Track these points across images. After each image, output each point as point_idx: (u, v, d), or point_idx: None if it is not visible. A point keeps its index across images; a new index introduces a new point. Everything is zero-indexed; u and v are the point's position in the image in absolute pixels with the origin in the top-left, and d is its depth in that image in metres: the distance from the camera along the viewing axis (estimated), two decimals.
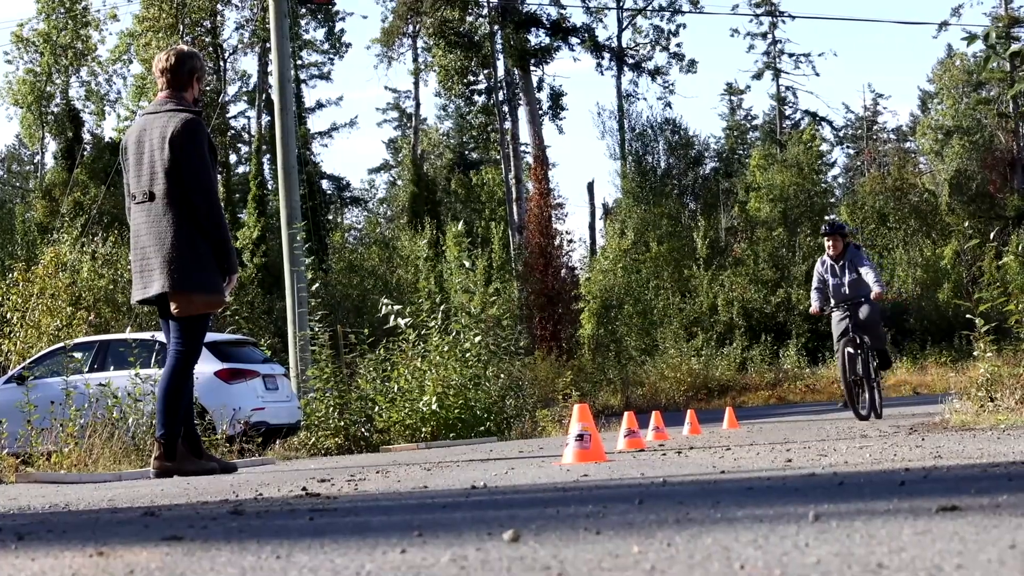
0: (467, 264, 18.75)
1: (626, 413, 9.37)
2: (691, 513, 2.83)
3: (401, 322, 15.80)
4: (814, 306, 14.08)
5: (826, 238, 14.13)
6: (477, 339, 16.36)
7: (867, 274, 13.66)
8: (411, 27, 50.66)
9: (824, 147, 59.48)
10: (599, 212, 51.83)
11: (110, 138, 50.06)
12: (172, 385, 8.06)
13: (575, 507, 3.22)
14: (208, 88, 41.13)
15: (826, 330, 43.05)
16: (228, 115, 50.65)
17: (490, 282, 18.92)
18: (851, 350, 13.41)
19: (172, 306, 7.98)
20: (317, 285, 18.33)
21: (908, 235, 47.98)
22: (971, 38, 22.27)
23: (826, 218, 14.87)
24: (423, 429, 15.17)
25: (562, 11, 48.23)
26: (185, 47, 8.48)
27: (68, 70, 51.90)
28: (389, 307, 15.62)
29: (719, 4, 79.63)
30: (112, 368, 15.20)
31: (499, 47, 47.30)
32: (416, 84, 56.24)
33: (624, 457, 7.24)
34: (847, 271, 13.88)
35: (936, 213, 50.88)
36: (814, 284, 14.13)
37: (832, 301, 13.90)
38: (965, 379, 13.03)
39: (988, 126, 54.14)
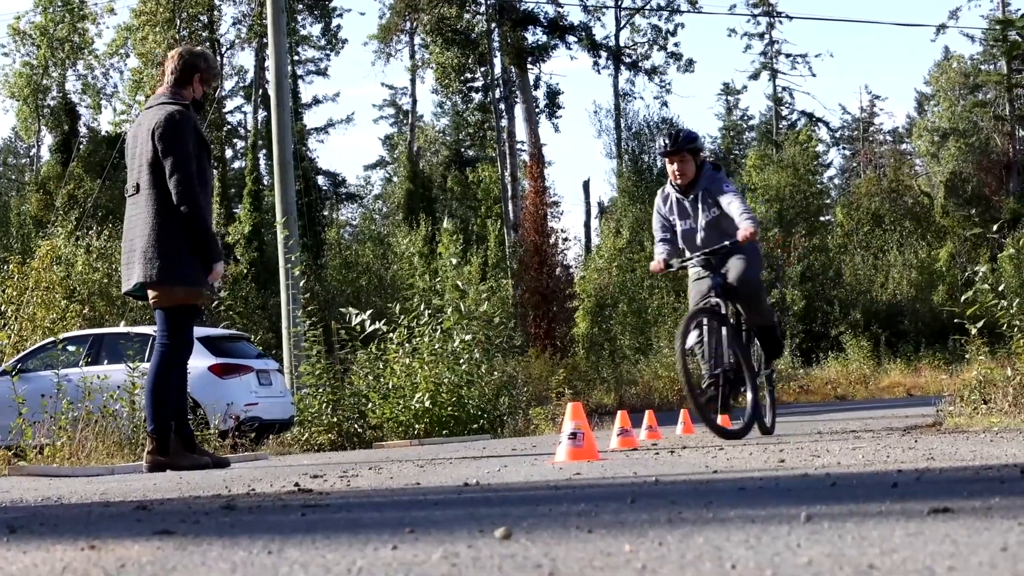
0: (453, 261, 18.68)
1: (619, 412, 9.37)
2: (683, 512, 2.83)
3: (378, 325, 15.75)
4: (656, 260, 9.39)
5: (668, 159, 9.23)
6: (468, 337, 16.34)
7: (731, 205, 9.05)
8: (408, 24, 50.65)
9: (820, 148, 59.60)
10: (594, 211, 51.89)
11: (106, 132, 50.04)
12: (158, 378, 8.10)
13: (567, 505, 3.22)
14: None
15: (820, 330, 43.43)
16: (224, 110, 50.62)
17: (485, 279, 18.90)
18: (714, 323, 8.92)
19: (151, 297, 8.08)
20: (311, 281, 18.31)
21: (903, 237, 48.06)
22: None
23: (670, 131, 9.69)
24: (416, 426, 15.16)
25: (560, 9, 48.27)
26: (197, 48, 8.59)
27: (65, 63, 51.88)
28: (356, 315, 15.56)
29: (717, 4, 79.72)
30: (106, 362, 15.20)
31: (496, 45, 47.29)
32: (413, 81, 56.31)
33: (617, 456, 7.24)
34: (702, 207, 9.20)
35: (931, 215, 50.96)
36: (657, 231, 9.54)
37: (686, 253, 9.37)
38: (959, 381, 13.03)
39: (984, 129, 54.23)
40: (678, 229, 9.32)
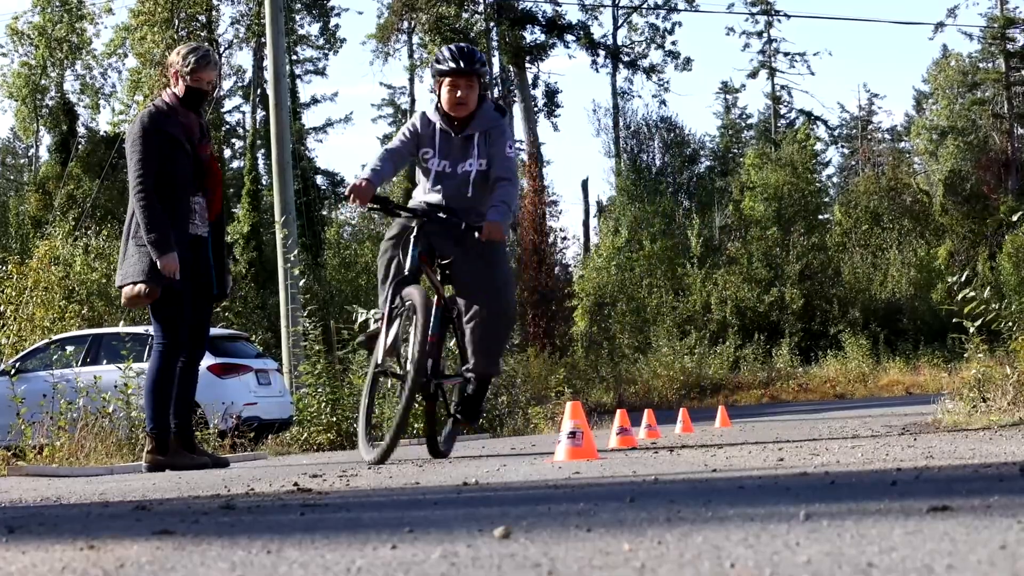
0: None
1: (618, 411, 9.37)
2: (682, 511, 2.82)
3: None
4: (360, 179, 6.93)
5: (447, 78, 7.09)
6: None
7: (501, 173, 6.98)
8: (406, 23, 50.63)
9: (819, 146, 59.57)
10: (593, 210, 51.88)
11: (104, 132, 50.02)
12: (153, 378, 8.13)
13: (566, 504, 3.21)
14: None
15: (819, 329, 43.45)
16: (223, 110, 50.59)
17: None
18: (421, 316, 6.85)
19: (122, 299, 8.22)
20: (310, 280, 18.31)
21: (902, 235, 48.04)
22: None
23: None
24: (415, 425, 15.16)
25: (557, 8, 48.28)
26: (182, 46, 8.65)
27: (63, 63, 51.86)
28: (364, 314, 15.55)
29: (715, 2, 79.70)
30: (105, 362, 15.19)
31: (494, 44, 47.29)
32: (411, 80, 56.25)
33: (616, 455, 7.23)
34: (477, 152, 7.08)
35: (930, 214, 50.96)
36: (391, 145, 7.26)
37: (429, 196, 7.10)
38: (957, 379, 13.03)
39: (983, 127, 54.25)
40: (432, 168, 7.12)
